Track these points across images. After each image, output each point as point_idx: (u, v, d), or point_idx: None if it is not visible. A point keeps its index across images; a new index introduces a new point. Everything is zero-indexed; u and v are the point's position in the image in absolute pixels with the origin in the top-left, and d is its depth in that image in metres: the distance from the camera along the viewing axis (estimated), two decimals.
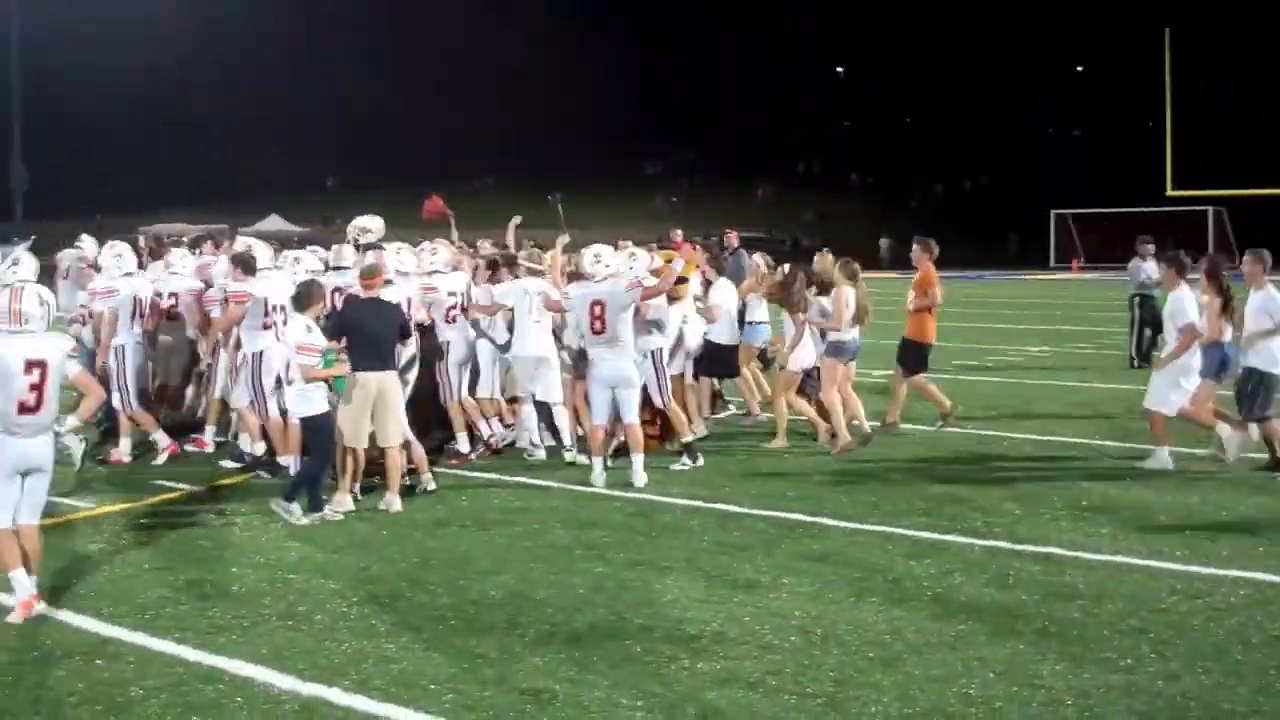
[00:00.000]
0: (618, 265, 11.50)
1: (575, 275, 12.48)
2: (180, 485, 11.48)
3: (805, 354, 13.14)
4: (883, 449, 13.02)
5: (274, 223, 63.92)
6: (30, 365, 7.55)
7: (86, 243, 14.37)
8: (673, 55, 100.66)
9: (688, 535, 9.58)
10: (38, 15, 60.13)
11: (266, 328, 11.71)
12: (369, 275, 10.88)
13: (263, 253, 12.57)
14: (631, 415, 11.42)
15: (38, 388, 7.56)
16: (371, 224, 13.36)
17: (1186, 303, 11.91)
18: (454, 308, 12.43)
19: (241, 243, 13.44)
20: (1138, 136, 69.81)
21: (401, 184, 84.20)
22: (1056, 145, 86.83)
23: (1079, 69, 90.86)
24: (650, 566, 8.73)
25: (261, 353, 11.64)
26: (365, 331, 10.58)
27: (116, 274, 12.55)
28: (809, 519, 10.04)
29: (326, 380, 10.21)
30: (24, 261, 11.94)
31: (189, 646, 7.19)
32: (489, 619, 7.62)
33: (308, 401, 10.25)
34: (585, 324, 11.42)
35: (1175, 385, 11.91)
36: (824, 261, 13.60)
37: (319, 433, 10.32)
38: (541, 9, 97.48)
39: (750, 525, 9.90)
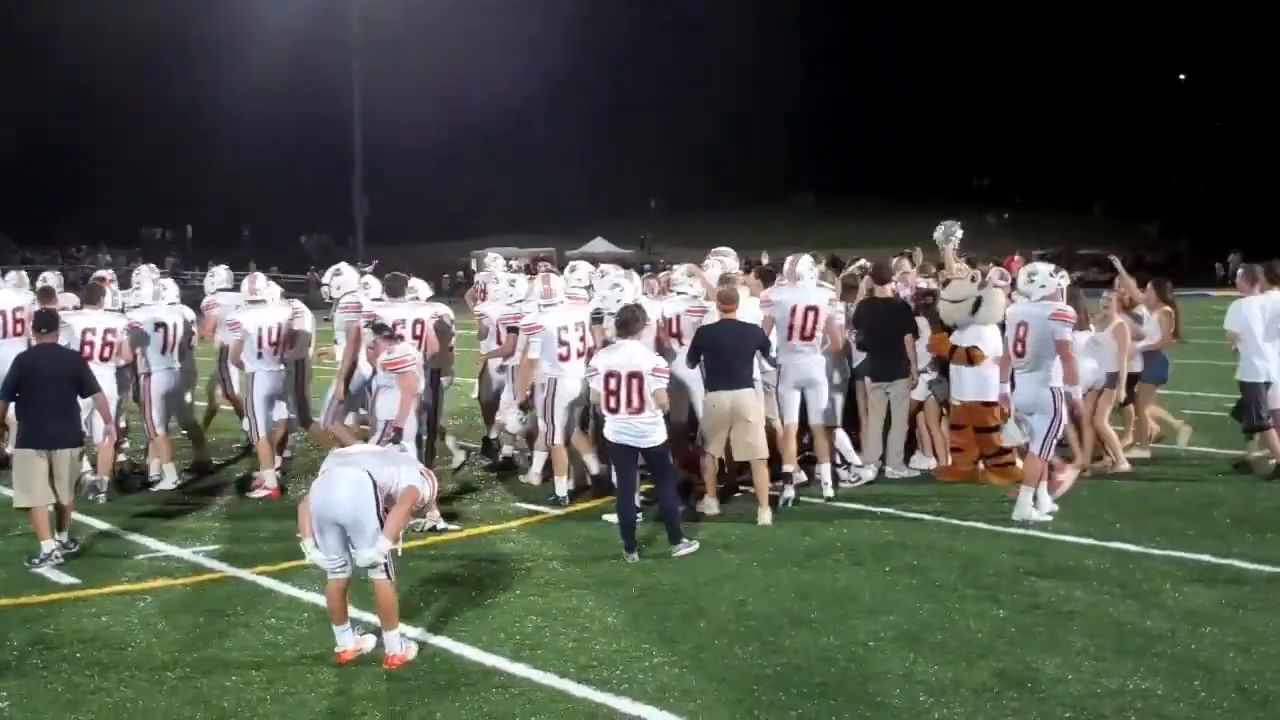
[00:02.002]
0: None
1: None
2: (541, 509, 11.36)
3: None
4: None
5: (599, 245, 65.10)
6: None
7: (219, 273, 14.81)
8: (996, 69, 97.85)
9: (1084, 578, 8.77)
10: (375, 52, 62.95)
11: (563, 359, 11.54)
12: (726, 300, 10.75)
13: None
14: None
15: None
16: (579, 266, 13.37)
17: None
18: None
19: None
20: None
21: (721, 203, 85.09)
22: None
23: None
24: (1048, 610, 8.00)
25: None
26: (719, 351, 10.49)
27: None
28: (1218, 561, 9.09)
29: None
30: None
31: (571, 680, 6.90)
32: (882, 664, 7.06)
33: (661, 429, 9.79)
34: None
35: None
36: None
37: (663, 461, 9.87)
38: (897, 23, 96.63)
39: (1153, 567, 9.00)
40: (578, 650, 7.39)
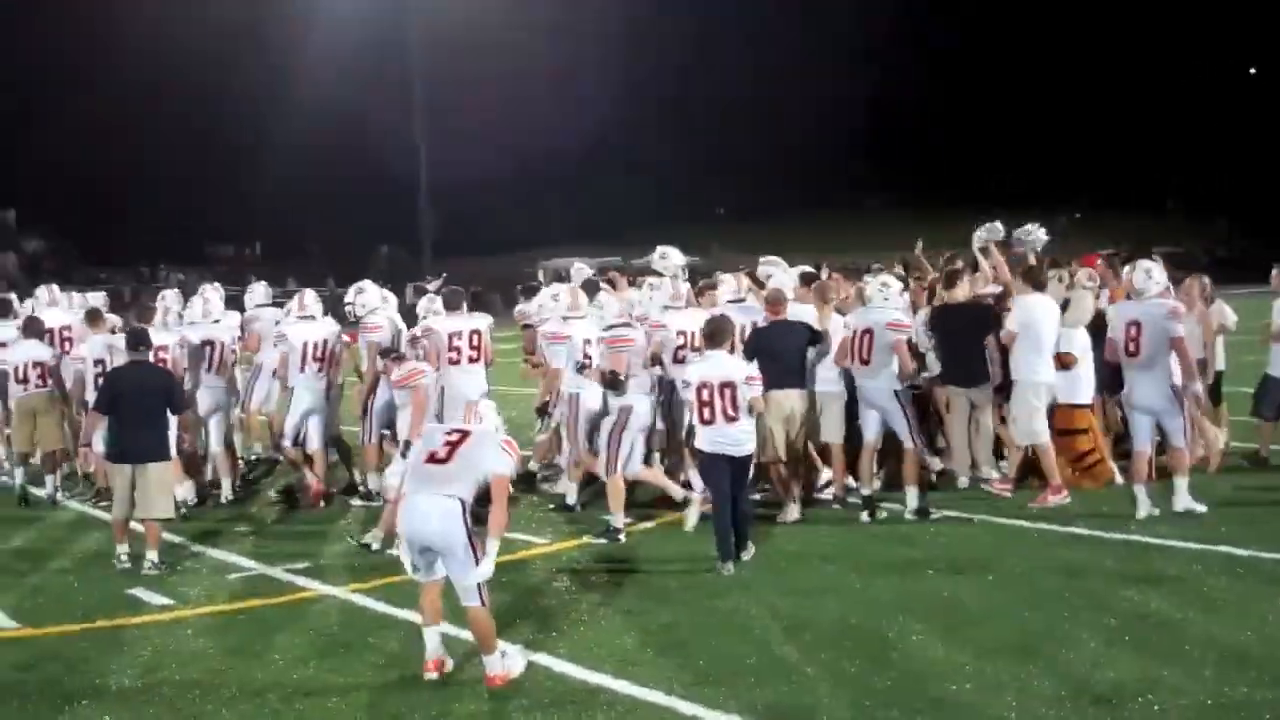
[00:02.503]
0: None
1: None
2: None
3: None
4: None
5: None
6: None
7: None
8: (1063, 68, 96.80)
9: (1194, 584, 8.51)
10: (441, 69, 63.41)
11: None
12: (773, 302, 11.08)
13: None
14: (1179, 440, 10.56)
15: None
16: (670, 252, 13.04)
17: None
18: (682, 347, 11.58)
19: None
20: None
21: (786, 209, 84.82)
22: None
23: None
24: (1160, 619, 7.77)
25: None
26: (772, 352, 10.69)
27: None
28: None
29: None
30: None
31: (679, 698, 6.76)
32: (994, 676, 6.87)
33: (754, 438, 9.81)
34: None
35: None
36: None
37: (748, 469, 9.94)
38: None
39: (1264, 570, 8.73)
40: (681, 667, 7.25)
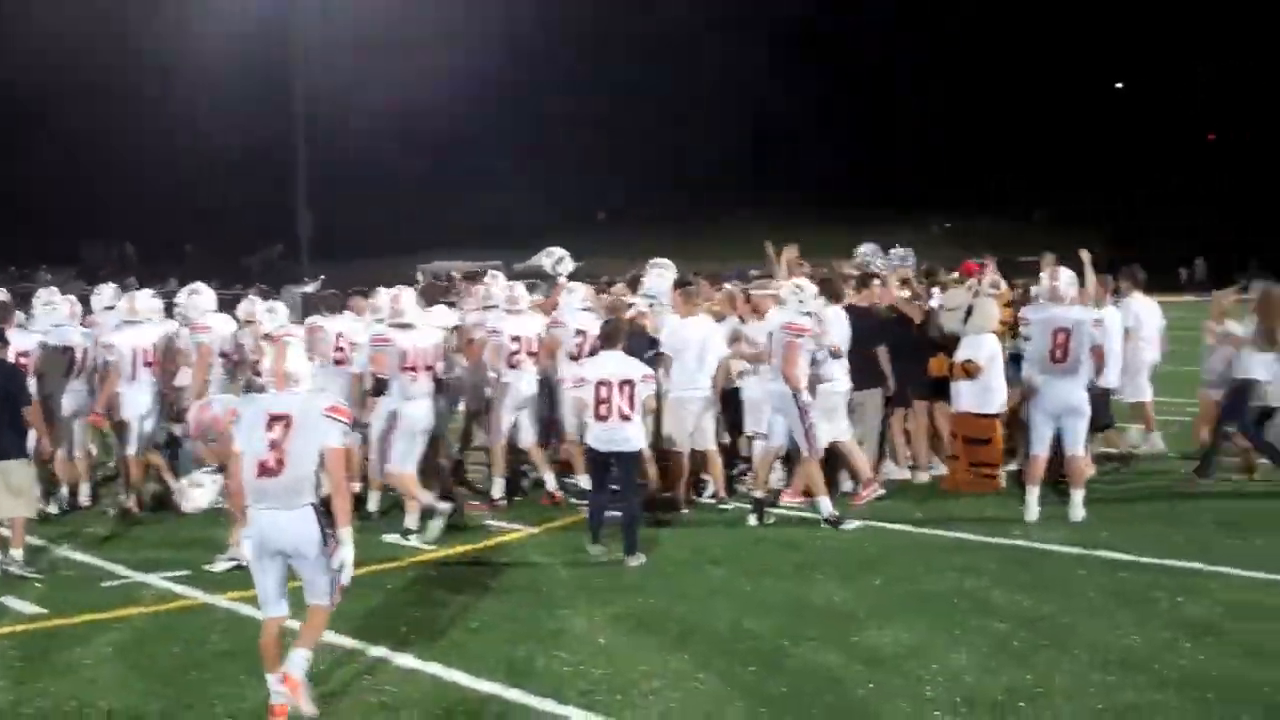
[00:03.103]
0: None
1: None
2: (514, 526, 11.10)
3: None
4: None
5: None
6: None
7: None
8: (933, 78, 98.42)
9: (1079, 588, 8.63)
10: (318, 69, 62.50)
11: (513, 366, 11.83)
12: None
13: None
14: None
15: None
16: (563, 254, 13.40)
17: None
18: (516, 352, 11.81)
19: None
20: None
21: (667, 215, 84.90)
22: None
23: None
24: (1049, 624, 7.85)
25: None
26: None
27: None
28: (1209, 568, 8.98)
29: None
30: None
31: (574, 707, 6.65)
32: (888, 682, 6.88)
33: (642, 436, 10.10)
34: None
35: None
36: None
37: (636, 469, 10.19)
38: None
39: (1145, 576, 8.87)
40: (574, 675, 7.14)
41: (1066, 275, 11.06)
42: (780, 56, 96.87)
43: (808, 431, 10.65)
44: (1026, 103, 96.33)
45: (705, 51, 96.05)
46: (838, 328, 11.40)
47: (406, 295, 11.28)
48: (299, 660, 6.47)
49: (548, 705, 6.68)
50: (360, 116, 78.48)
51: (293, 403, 6.59)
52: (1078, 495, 10.64)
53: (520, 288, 12.45)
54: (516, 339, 11.82)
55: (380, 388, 10.85)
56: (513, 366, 11.78)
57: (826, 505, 10.68)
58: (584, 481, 11.28)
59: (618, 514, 9.82)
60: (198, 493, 8.63)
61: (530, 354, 11.88)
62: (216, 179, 77.14)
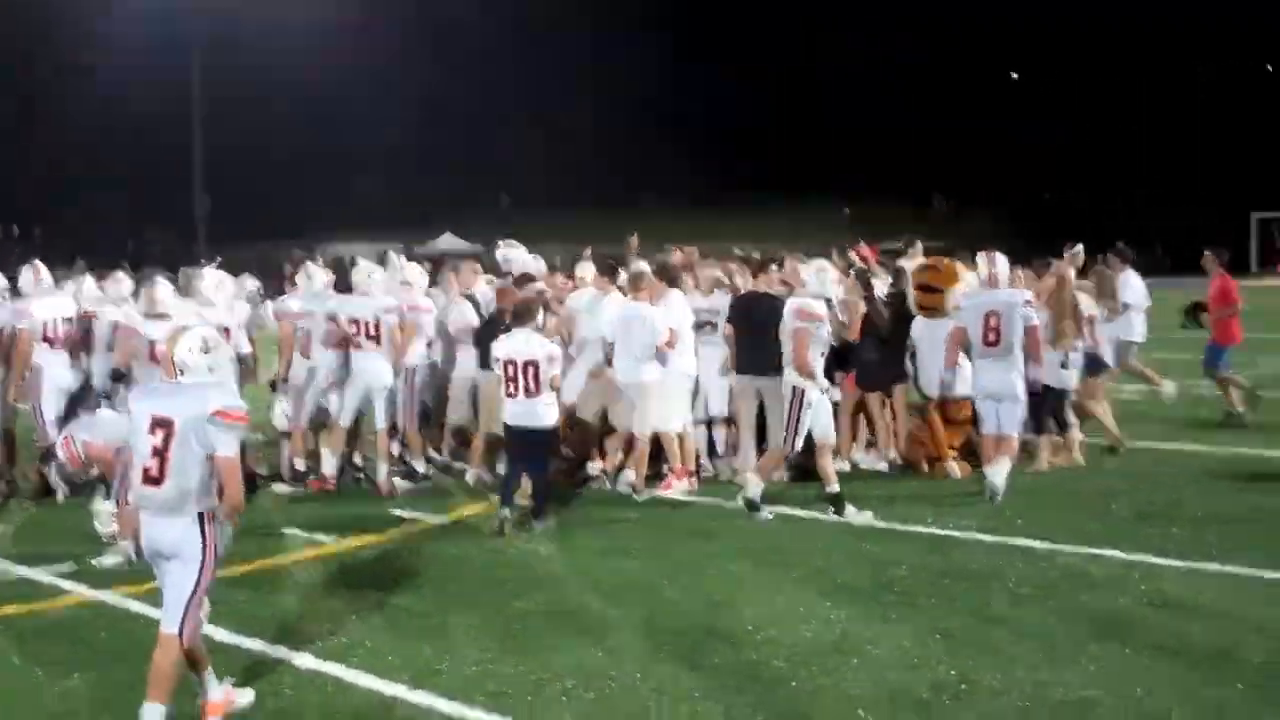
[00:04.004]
0: None
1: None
2: (417, 515, 10.76)
3: None
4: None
5: (448, 241, 64.06)
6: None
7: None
8: (834, 68, 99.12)
9: (998, 578, 8.43)
10: (215, 48, 61.28)
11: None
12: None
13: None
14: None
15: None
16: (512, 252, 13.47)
17: None
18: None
19: None
20: None
21: (575, 203, 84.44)
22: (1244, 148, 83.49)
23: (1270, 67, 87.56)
24: (972, 615, 7.68)
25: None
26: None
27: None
28: (1128, 557, 8.83)
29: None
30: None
31: (481, 710, 6.32)
32: (810, 679, 6.63)
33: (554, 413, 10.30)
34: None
35: None
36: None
37: (549, 444, 10.50)
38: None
39: (1064, 564, 8.75)
40: (483, 675, 6.81)
41: (1002, 260, 11.15)
42: (683, 44, 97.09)
43: (793, 426, 10.31)
44: (928, 91, 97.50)
45: (605, 41, 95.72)
46: (677, 312, 11.36)
47: (162, 288, 11.15)
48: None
49: (455, 708, 6.35)
50: (260, 96, 77.17)
51: (177, 405, 5.96)
52: (1003, 463, 10.68)
53: (363, 270, 12.27)
54: (354, 322, 11.70)
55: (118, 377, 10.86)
56: (355, 349, 11.76)
57: (756, 488, 10.41)
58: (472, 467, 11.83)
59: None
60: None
61: (370, 337, 11.70)
62: (115, 161, 75.29)
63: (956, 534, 9.66)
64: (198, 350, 6.05)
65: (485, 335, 11.38)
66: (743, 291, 11.92)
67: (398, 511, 10.88)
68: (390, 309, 11.80)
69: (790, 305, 10.50)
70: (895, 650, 7.04)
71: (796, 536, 9.79)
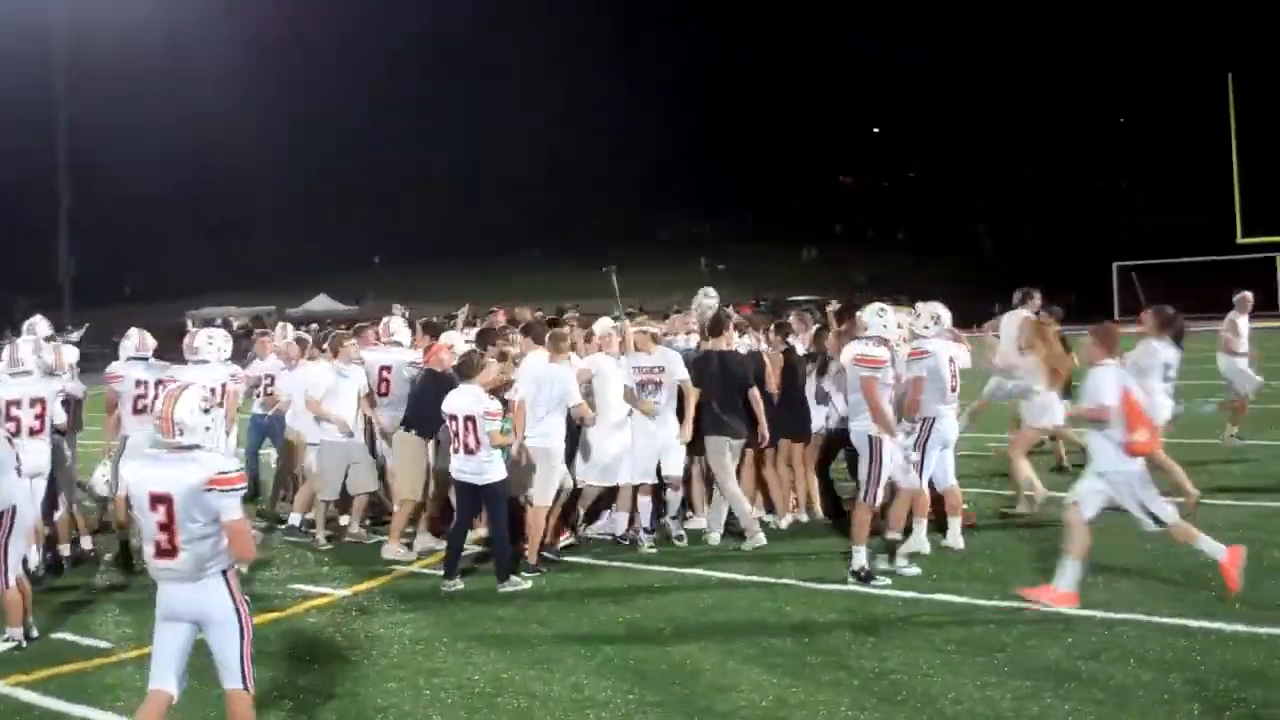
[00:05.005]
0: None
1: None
2: (324, 590, 10.37)
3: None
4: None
5: (323, 302, 63.33)
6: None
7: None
8: (712, 118, 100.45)
9: (924, 636, 8.32)
10: (86, 104, 59.98)
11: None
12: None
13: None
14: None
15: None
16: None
17: None
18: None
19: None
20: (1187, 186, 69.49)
21: (446, 259, 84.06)
22: (1105, 197, 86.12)
23: (1121, 119, 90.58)
24: (904, 674, 7.53)
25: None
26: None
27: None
28: (1047, 610, 8.77)
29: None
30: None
31: None
32: None
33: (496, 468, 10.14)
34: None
35: None
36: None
37: (499, 500, 10.24)
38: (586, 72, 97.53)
39: (985, 617, 8.67)
40: None
41: (939, 310, 11.00)
42: (560, 98, 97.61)
43: (875, 478, 9.89)
44: (796, 142, 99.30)
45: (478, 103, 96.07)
46: (531, 368, 11.02)
47: (25, 347, 10.64)
48: None
49: None
50: (129, 158, 75.96)
51: (171, 477, 5.85)
52: (956, 523, 10.81)
53: (203, 335, 12.13)
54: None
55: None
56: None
57: (861, 557, 9.93)
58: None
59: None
60: None
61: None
62: None
63: (875, 591, 9.52)
64: (198, 410, 5.97)
65: (423, 394, 11.45)
66: (700, 350, 11.80)
67: (295, 586, 10.49)
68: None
69: (850, 353, 10.11)
70: (834, 715, 6.87)
71: (719, 598, 9.57)
